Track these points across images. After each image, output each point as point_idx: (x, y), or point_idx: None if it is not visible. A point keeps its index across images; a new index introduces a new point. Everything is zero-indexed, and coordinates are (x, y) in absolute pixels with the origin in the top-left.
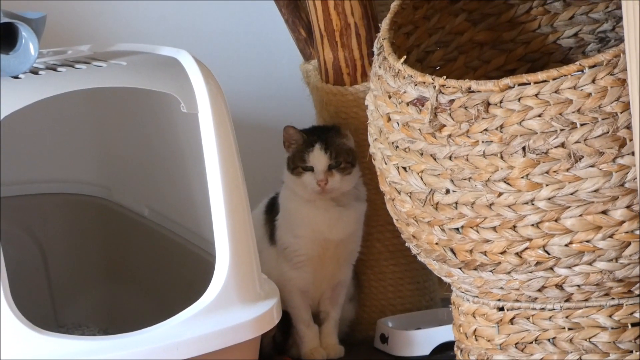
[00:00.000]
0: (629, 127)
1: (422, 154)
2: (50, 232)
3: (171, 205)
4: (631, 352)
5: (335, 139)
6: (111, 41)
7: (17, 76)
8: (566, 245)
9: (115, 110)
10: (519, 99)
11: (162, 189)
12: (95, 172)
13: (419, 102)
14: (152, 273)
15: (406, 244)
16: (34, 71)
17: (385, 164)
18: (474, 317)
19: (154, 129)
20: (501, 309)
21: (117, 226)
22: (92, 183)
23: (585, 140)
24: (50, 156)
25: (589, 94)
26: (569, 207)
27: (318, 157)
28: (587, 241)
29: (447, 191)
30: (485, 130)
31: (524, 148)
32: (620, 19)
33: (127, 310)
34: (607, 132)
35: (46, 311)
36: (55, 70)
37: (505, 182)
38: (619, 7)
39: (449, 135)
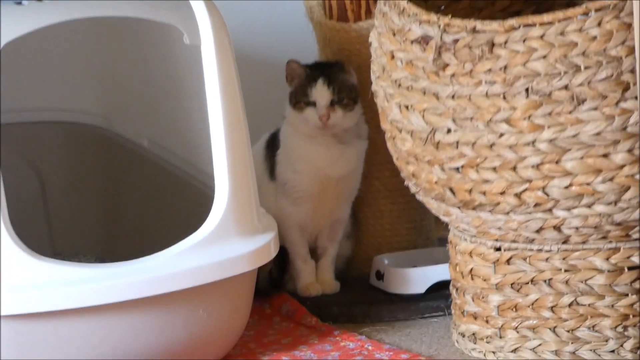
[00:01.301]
0: (633, 71)
1: (424, 93)
2: (48, 161)
3: (171, 137)
4: (627, 295)
5: (339, 75)
6: None
7: (20, 2)
8: (566, 187)
9: (118, 40)
10: (524, 41)
11: (162, 121)
12: (95, 101)
13: (424, 40)
14: (150, 204)
15: (405, 183)
16: None
17: (387, 102)
18: (471, 256)
19: (156, 60)
20: (498, 249)
21: (116, 156)
22: (92, 112)
23: (589, 83)
24: (50, 84)
25: (594, 37)
26: (570, 149)
27: (321, 92)
28: (587, 184)
29: (449, 130)
30: (489, 70)
31: (527, 89)
32: None
33: (125, 241)
34: (611, 76)
35: (43, 239)
36: None
37: (507, 123)
38: None
39: (453, 75)
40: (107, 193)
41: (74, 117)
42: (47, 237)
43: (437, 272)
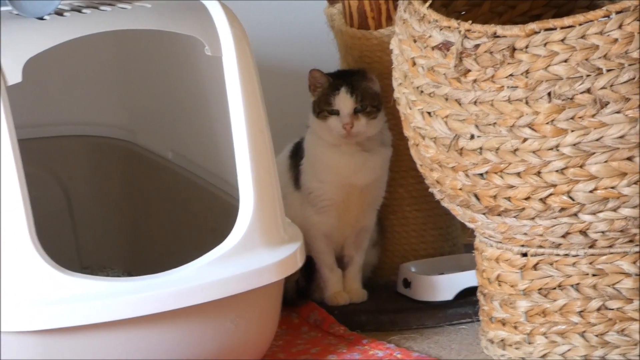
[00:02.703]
0: None
1: (447, 99)
2: (74, 175)
3: (195, 149)
4: None
5: (361, 83)
6: None
7: (43, 17)
8: (591, 191)
9: (140, 52)
10: (545, 44)
11: (186, 132)
12: (119, 114)
13: (445, 46)
14: (176, 216)
15: (430, 190)
16: (59, 12)
17: (410, 108)
18: (498, 262)
19: (179, 72)
20: (525, 254)
21: (141, 169)
22: (116, 126)
23: (611, 86)
24: (74, 98)
25: (616, 40)
26: (594, 153)
27: (344, 101)
28: (612, 187)
29: (472, 136)
30: (511, 75)
31: (549, 94)
32: None
33: (151, 253)
34: (634, 78)
35: (70, 253)
36: (80, 11)
37: (530, 127)
38: None
39: (474, 80)
40: (133, 206)
41: (98, 131)
42: (75, 251)
43: (464, 279)
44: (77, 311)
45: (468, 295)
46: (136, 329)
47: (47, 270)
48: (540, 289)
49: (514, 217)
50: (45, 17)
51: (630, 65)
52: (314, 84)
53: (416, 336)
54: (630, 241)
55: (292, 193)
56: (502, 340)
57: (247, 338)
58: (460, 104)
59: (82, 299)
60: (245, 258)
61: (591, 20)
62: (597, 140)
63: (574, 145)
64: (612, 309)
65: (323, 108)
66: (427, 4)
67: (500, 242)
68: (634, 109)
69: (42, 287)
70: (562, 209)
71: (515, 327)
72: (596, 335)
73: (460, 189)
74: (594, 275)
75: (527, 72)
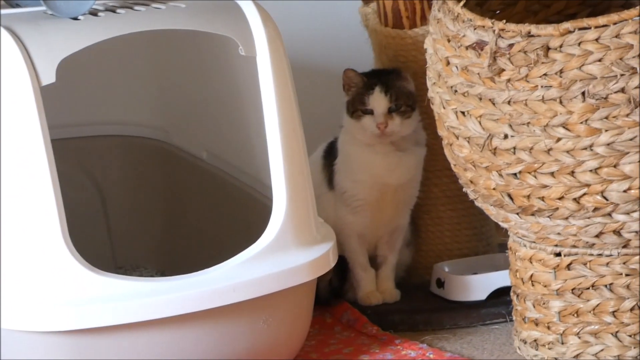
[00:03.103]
0: None
1: (480, 99)
2: (108, 174)
3: (229, 149)
4: None
5: (396, 82)
6: None
7: (77, 17)
8: (624, 191)
9: (174, 52)
10: (579, 44)
11: (220, 132)
12: (153, 114)
13: (478, 46)
14: (209, 216)
15: (464, 189)
16: (93, 13)
17: (444, 108)
18: (531, 262)
19: (213, 72)
20: (558, 254)
21: (176, 169)
22: (150, 125)
23: None
24: (109, 98)
25: None
26: (628, 152)
27: (378, 100)
28: None
29: (506, 136)
30: (545, 74)
31: (583, 93)
32: None
33: (185, 253)
34: None
35: (105, 252)
36: (114, 12)
37: (564, 127)
38: None
39: (508, 80)
40: (167, 206)
41: (133, 131)
42: (109, 251)
43: (498, 279)
44: (110, 311)
45: (501, 295)
46: (169, 329)
47: (80, 270)
48: (573, 289)
49: (548, 216)
50: (80, 17)
51: None
52: (348, 83)
53: (449, 336)
54: None
55: (326, 193)
56: (535, 340)
57: (279, 338)
58: (494, 104)
59: (115, 299)
60: (278, 258)
61: (625, 20)
62: (630, 139)
63: (608, 144)
64: None
65: (357, 107)
66: (462, 3)
67: (534, 242)
68: None
69: (76, 287)
70: (596, 209)
71: (549, 327)
72: (629, 335)
73: (494, 189)
74: (627, 275)
75: (561, 71)
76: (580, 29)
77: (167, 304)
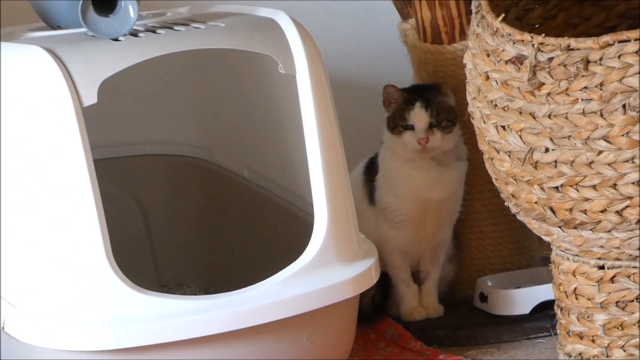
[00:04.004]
0: None
1: (521, 113)
2: (151, 193)
3: (270, 166)
4: None
5: (436, 97)
6: (209, 3)
7: (117, 38)
8: None
9: (214, 71)
10: (619, 57)
11: (261, 150)
12: (195, 133)
13: (518, 60)
14: (251, 233)
15: (505, 203)
16: (134, 33)
17: (484, 122)
18: (574, 275)
19: (253, 90)
20: (601, 267)
21: (217, 186)
22: (192, 144)
23: None
24: (150, 118)
25: None
26: None
27: (419, 115)
28: None
29: (547, 150)
30: (585, 88)
31: (624, 106)
32: None
33: (228, 270)
34: None
35: (148, 271)
36: (154, 32)
37: (605, 140)
38: None
39: (548, 94)
40: (209, 223)
41: (174, 150)
42: (152, 270)
43: (541, 292)
44: (154, 330)
45: (545, 309)
46: (212, 347)
47: (124, 289)
48: (617, 302)
49: (590, 230)
50: (120, 38)
51: None
52: (389, 99)
53: (493, 351)
54: None
55: (367, 209)
56: (579, 353)
57: (323, 354)
58: (534, 117)
59: (159, 318)
60: (320, 274)
61: None
62: None
63: None
64: None
65: (398, 123)
66: (500, 17)
67: (577, 255)
68: None
69: (120, 306)
70: (639, 221)
71: (593, 341)
72: None
73: (536, 203)
74: None
75: (601, 84)
76: (620, 41)
77: (210, 322)
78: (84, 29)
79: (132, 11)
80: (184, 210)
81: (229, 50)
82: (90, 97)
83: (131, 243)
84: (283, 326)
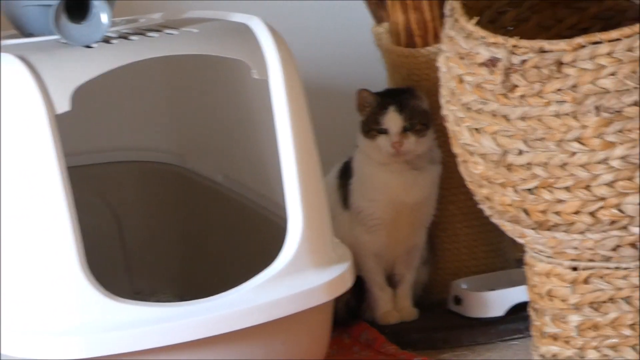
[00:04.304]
0: None
1: (494, 115)
2: (125, 200)
3: (244, 171)
4: None
5: (410, 101)
6: (183, 9)
7: (90, 45)
8: None
9: (188, 77)
10: (592, 58)
11: (236, 155)
12: (169, 139)
13: (491, 63)
14: (226, 239)
15: (479, 206)
16: (107, 40)
17: (458, 125)
18: (548, 277)
19: (226, 96)
20: (575, 268)
21: (191, 193)
22: (165, 150)
23: None
24: (124, 125)
25: None
26: None
27: (393, 119)
28: None
29: (520, 152)
30: (558, 90)
31: (597, 107)
32: None
33: (202, 277)
34: None
35: (122, 278)
36: (127, 38)
37: (578, 141)
38: None
39: (522, 96)
40: (183, 230)
41: (148, 157)
42: (126, 277)
43: (515, 294)
44: (128, 338)
45: (519, 311)
46: (187, 354)
47: (97, 296)
48: (591, 303)
49: (564, 231)
50: (93, 45)
51: None
52: (362, 103)
53: (468, 353)
54: None
55: (342, 213)
56: (554, 355)
57: (297, 359)
58: (508, 120)
59: (133, 325)
60: (295, 279)
61: (638, 33)
62: None
63: (623, 158)
64: None
65: (372, 127)
66: (474, 20)
67: (551, 257)
68: None
69: (93, 313)
70: (612, 222)
71: (567, 342)
72: None
73: (510, 205)
74: None
75: (574, 86)
76: (592, 43)
77: (185, 329)
78: (56, 37)
79: (104, 18)
80: (158, 217)
81: (202, 56)
82: (63, 105)
83: (105, 250)
84: (258, 332)
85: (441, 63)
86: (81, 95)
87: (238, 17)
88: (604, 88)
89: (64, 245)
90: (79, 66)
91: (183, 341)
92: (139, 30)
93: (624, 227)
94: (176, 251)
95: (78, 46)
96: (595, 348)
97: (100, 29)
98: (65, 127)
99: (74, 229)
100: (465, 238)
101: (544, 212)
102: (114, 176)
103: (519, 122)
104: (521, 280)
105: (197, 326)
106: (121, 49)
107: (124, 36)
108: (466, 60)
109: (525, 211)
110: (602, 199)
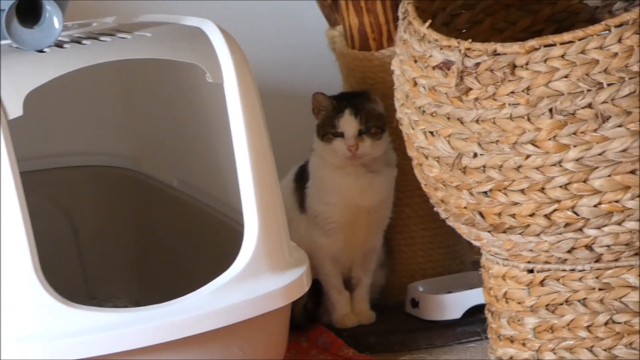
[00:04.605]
0: None
1: (449, 118)
2: (80, 205)
3: (200, 176)
4: None
5: (365, 104)
6: (136, 13)
7: (42, 50)
8: (595, 205)
9: (142, 81)
10: (545, 61)
11: (191, 160)
12: (123, 144)
13: (445, 65)
14: (182, 243)
15: (435, 209)
16: (59, 44)
17: (413, 128)
18: (504, 279)
19: (181, 100)
20: (531, 271)
21: (147, 197)
22: (120, 155)
23: (612, 100)
24: (78, 129)
25: (616, 54)
26: (597, 167)
27: (348, 123)
28: (616, 201)
29: (475, 155)
30: (512, 92)
31: (551, 110)
32: None
33: (158, 281)
34: (634, 92)
35: (78, 284)
36: (80, 43)
37: (532, 144)
38: None
39: (476, 99)
40: (139, 235)
41: (102, 161)
42: (82, 282)
43: (472, 297)
44: (83, 344)
45: (476, 313)
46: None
47: (52, 302)
48: (547, 305)
49: (519, 234)
50: (45, 49)
51: (630, 78)
52: (318, 107)
53: (425, 356)
54: (636, 254)
55: (298, 216)
56: (510, 357)
57: None
58: (462, 123)
59: (88, 331)
60: (251, 284)
61: (590, 35)
62: (599, 154)
63: (577, 160)
64: (620, 323)
65: (327, 131)
66: (427, 23)
67: (507, 260)
68: (635, 123)
69: (48, 320)
70: (567, 224)
71: (524, 344)
72: (604, 350)
73: (465, 208)
74: (600, 289)
75: (528, 88)
76: (545, 45)
77: (140, 335)
78: (8, 41)
79: (56, 22)
80: (113, 222)
81: (156, 60)
82: (15, 110)
83: (60, 256)
84: (214, 337)
85: (395, 66)
86: (35, 99)
87: (191, 21)
88: (557, 90)
89: (18, 251)
90: (32, 71)
91: (139, 347)
92: (92, 34)
93: (579, 230)
94: (132, 256)
95: (30, 51)
96: (552, 350)
97: (53, 34)
98: (18, 132)
99: (27, 235)
100: (421, 241)
101: (499, 214)
102: (68, 181)
103: (474, 124)
104: (478, 283)
105: (153, 331)
106: (74, 53)
107: (76, 40)
108: (420, 63)
109: (481, 214)
110: (557, 201)
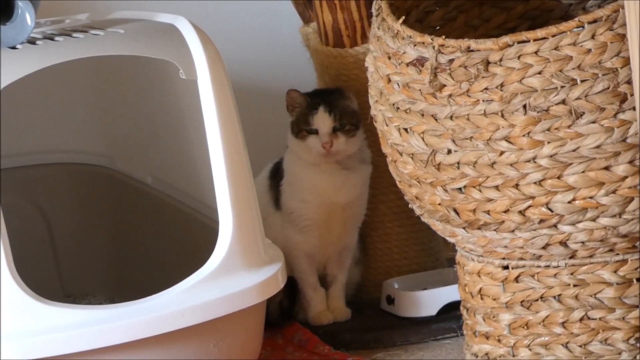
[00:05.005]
0: (629, 82)
1: (423, 115)
2: (54, 202)
3: (174, 173)
4: (636, 307)
5: (339, 101)
6: (109, 10)
7: (15, 47)
8: (569, 202)
9: (115, 78)
10: (519, 57)
11: (165, 157)
12: (97, 141)
13: (419, 62)
14: (157, 241)
15: (410, 205)
16: (32, 41)
17: (387, 125)
18: (479, 276)
19: (155, 97)
20: (506, 267)
21: (122, 195)
22: (94, 152)
23: (586, 96)
24: (51, 126)
25: (589, 50)
26: (571, 163)
27: (322, 120)
28: (590, 197)
29: (449, 151)
30: (486, 89)
31: (524, 106)
32: None
33: (134, 279)
34: (608, 88)
35: (53, 281)
36: (52, 39)
37: (506, 140)
38: None
39: (450, 95)
40: (114, 232)
41: (77, 158)
42: (57, 280)
43: (447, 294)
44: (58, 341)
45: (452, 310)
46: (118, 356)
47: (26, 300)
48: (522, 301)
49: (494, 230)
50: (18, 46)
51: (604, 75)
52: (292, 104)
53: (401, 352)
54: (611, 250)
55: (273, 214)
56: (486, 353)
57: None
58: (436, 119)
59: (63, 329)
60: (226, 281)
61: (564, 32)
62: (573, 150)
63: (551, 156)
64: (595, 319)
65: (302, 128)
66: (401, 20)
67: (481, 256)
68: (609, 119)
69: (23, 317)
70: (542, 221)
71: (499, 340)
72: (580, 346)
73: (440, 204)
74: (575, 285)
75: (501, 85)
76: (519, 42)
77: (116, 331)
78: None
79: (29, 19)
80: (88, 219)
81: (129, 57)
82: None
83: (35, 254)
84: (189, 333)
85: (369, 63)
86: (7, 97)
87: (164, 18)
88: (531, 87)
89: None
90: (4, 68)
91: (114, 343)
92: (65, 31)
93: (554, 226)
94: (107, 253)
95: (2, 47)
96: (527, 346)
97: (25, 30)
98: None
99: (1, 232)
100: (396, 237)
101: (473, 211)
102: (43, 178)
103: (448, 121)
104: (453, 280)
105: (128, 328)
106: (46, 50)
107: (49, 37)
108: (394, 60)
109: (455, 210)
110: (531, 197)
